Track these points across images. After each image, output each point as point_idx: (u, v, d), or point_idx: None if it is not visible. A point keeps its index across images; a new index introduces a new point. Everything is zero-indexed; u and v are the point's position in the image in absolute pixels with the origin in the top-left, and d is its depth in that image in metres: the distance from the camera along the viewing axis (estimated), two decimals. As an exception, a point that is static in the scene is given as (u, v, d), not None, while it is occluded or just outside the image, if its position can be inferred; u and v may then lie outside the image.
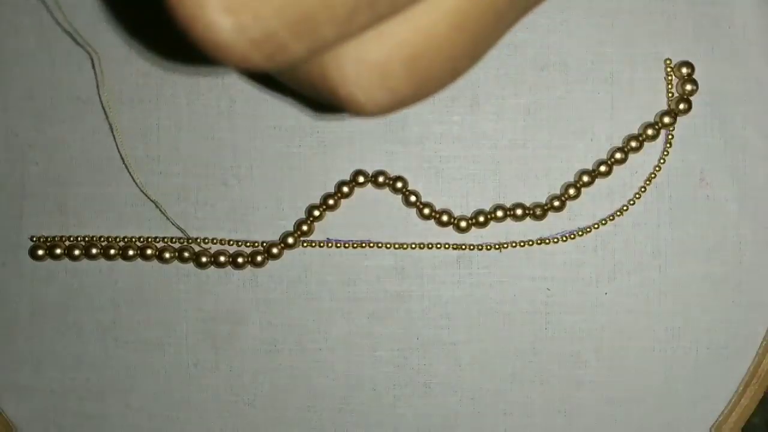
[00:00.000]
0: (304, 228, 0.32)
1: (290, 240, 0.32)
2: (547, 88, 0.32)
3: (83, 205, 0.33)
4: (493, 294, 0.33)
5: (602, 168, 0.32)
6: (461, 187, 0.33)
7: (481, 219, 0.32)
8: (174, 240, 0.33)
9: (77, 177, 0.32)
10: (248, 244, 0.33)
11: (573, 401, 0.33)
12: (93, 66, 0.31)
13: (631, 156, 0.32)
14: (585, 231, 0.32)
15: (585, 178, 0.32)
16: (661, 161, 0.32)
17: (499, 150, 0.32)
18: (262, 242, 0.33)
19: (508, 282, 0.33)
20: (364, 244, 0.32)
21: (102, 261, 0.33)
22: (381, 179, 0.32)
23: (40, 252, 0.32)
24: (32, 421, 0.33)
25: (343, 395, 0.33)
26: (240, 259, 0.32)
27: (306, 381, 0.33)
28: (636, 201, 0.32)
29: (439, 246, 0.32)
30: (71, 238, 0.32)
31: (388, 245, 0.32)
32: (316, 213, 0.32)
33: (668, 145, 0.32)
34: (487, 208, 0.32)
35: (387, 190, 0.32)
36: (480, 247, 0.32)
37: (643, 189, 0.32)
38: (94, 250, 0.32)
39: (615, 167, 0.32)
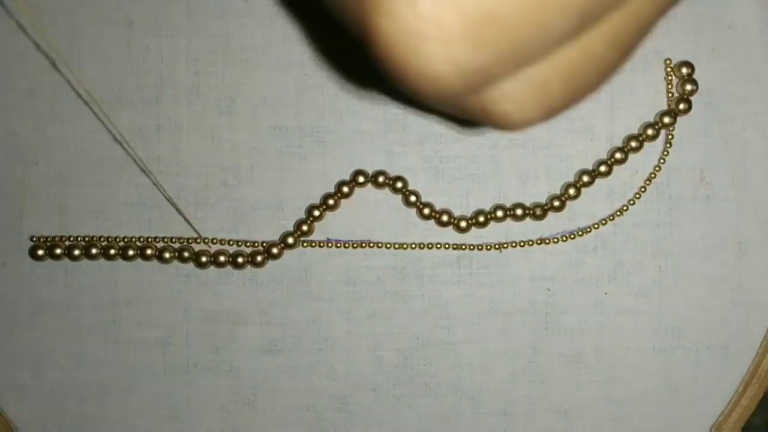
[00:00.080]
0: (304, 228, 0.32)
1: (290, 240, 0.32)
2: (547, 88, 0.32)
3: (83, 205, 0.33)
4: (493, 294, 0.33)
5: (602, 168, 0.32)
6: (461, 187, 0.33)
7: (481, 219, 0.32)
8: (174, 240, 0.33)
9: (77, 177, 0.32)
10: (248, 244, 0.33)
11: (573, 401, 0.33)
12: (56, 68, 0.31)
13: (631, 156, 0.32)
14: (585, 231, 0.32)
15: (585, 178, 0.32)
16: (661, 161, 0.32)
17: (499, 150, 0.32)
18: (262, 242, 0.33)
19: (508, 282, 0.33)
20: (364, 244, 0.32)
21: (102, 261, 0.33)
22: (381, 179, 0.32)
23: (40, 252, 0.32)
24: (32, 421, 0.33)
25: (343, 395, 0.33)
26: (240, 259, 0.32)
27: (306, 381, 0.33)
28: (636, 201, 0.32)
29: (439, 246, 0.32)
30: (71, 238, 0.32)
31: (388, 245, 0.32)
32: (316, 213, 0.32)
33: (668, 145, 0.32)
34: (487, 208, 0.32)
35: (387, 190, 0.32)
36: (480, 247, 0.32)
37: (643, 189, 0.32)
38: (94, 250, 0.32)
39: (615, 167, 0.32)
